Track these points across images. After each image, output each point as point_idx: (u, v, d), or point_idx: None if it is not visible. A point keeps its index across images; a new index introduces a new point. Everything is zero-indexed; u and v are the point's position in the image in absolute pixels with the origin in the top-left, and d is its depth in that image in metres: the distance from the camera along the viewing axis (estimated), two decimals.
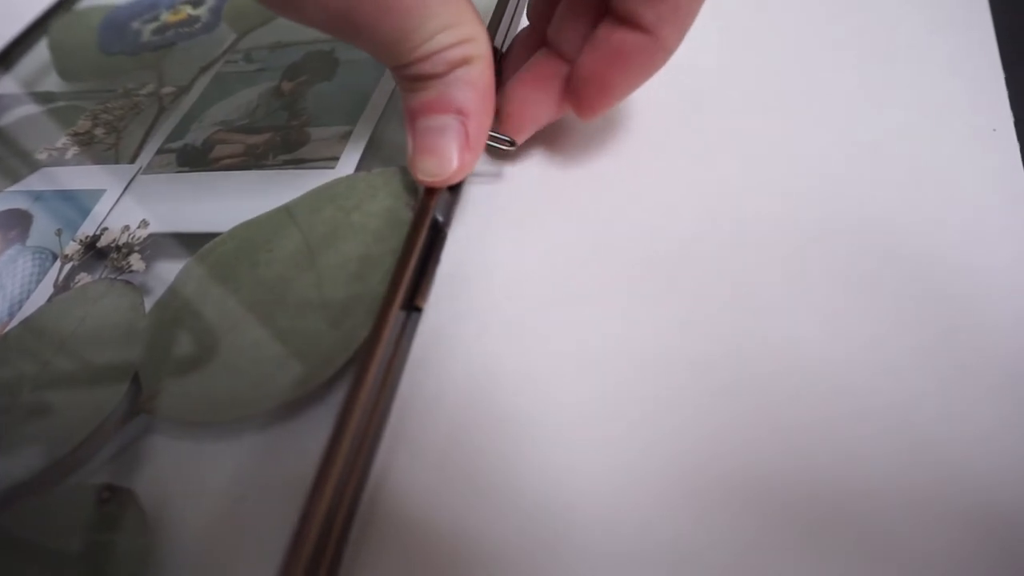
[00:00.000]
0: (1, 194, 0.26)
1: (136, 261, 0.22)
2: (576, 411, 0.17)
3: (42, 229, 0.24)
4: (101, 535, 0.16)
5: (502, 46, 0.22)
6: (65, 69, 0.32)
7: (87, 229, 0.23)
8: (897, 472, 0.15)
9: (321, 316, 0.19)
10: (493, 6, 0.23)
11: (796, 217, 0.19)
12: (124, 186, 0.25)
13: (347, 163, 0.23)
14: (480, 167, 0.21)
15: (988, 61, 0.22)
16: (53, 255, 0.23)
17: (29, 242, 0.24)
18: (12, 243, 0.24)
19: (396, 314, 0.17)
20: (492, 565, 0.15)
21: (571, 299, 0.19)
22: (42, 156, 0.27)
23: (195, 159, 0.25)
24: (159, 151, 0.26)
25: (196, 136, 0.26)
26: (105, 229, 0.23)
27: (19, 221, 0.25)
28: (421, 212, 0.19)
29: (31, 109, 0.30)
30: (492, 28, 0.22)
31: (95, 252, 0.23)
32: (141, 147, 0.26)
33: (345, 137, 0.24)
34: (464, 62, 0.18)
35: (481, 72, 0.18)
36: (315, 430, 0.17)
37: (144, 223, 0.23)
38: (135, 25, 0.33)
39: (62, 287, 0.22)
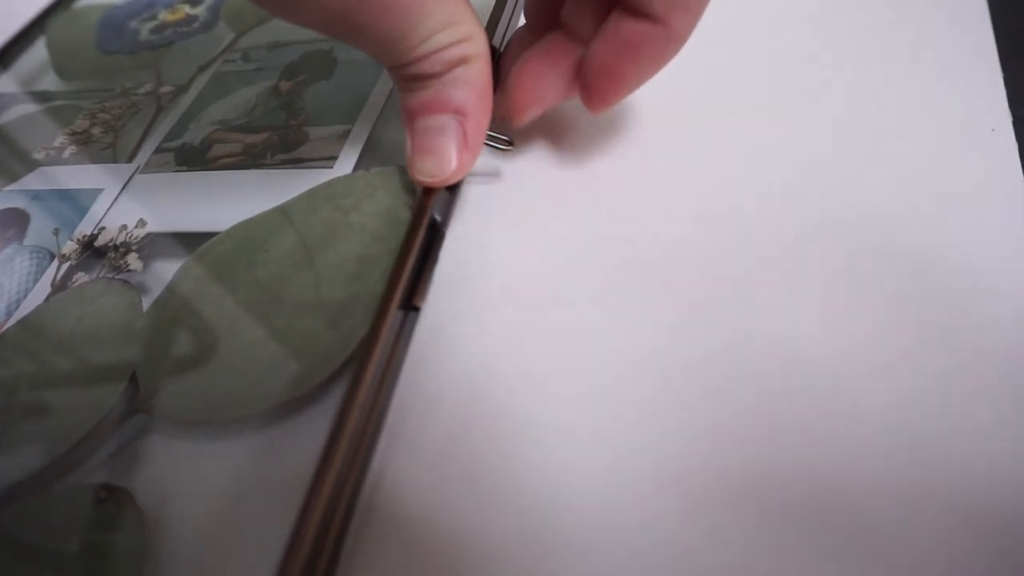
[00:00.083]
0: None
1: (134, 260, 0.22)
2: (574, 410, 0.17)
3: (39, 228, 0.24)
4: (99, 535, 0.16)
5: (500, 45, 0.22)
6: (63, 68, 0.32)
7: (85, 228, 0.23)
8: (895, 471, 0.15)
9: (319, 316, 0.19)
10: (491, 5, 0.23)
11: (795, 217, 0.19)
12: (122, 185, 0.25)
13: (345, 163, 0.23)
14: (478, 167, 0.21)
15: (986, 60, 0.22)
16: (50, 254, 0.23)
17: (26, 241, 0.24)
18: (9, 242, 0.24)
19: (394, 314, 0.17)
20: (491, 564, 0.15)
21: (569, 299, 0.19)
22: (39, 155, 0.27)
23: (193, 158, 0.25)
24: (157, 150, 0.26)
25: (194, 135, 0.26)
26: (103, 228, 0.23)
27: (16, 220, 0.25)
28: (419, 212, 0.19)
29: (29, 108, 0.30)
30: (490, 27, 0.22)
31: (93, 251, 0.23)
32: (139, 146, 0.26)
33: (343, 136, 0.24)
34: (462, 61, 0.18)
35: (479, 71, 0.18)
36: (313, 430, 0.17)
37: (142, 222, 0.23)
38: (133, 24, 0.33)
39: (59, 286, 0.22)
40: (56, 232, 0.24)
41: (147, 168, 0.25)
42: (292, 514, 0.14)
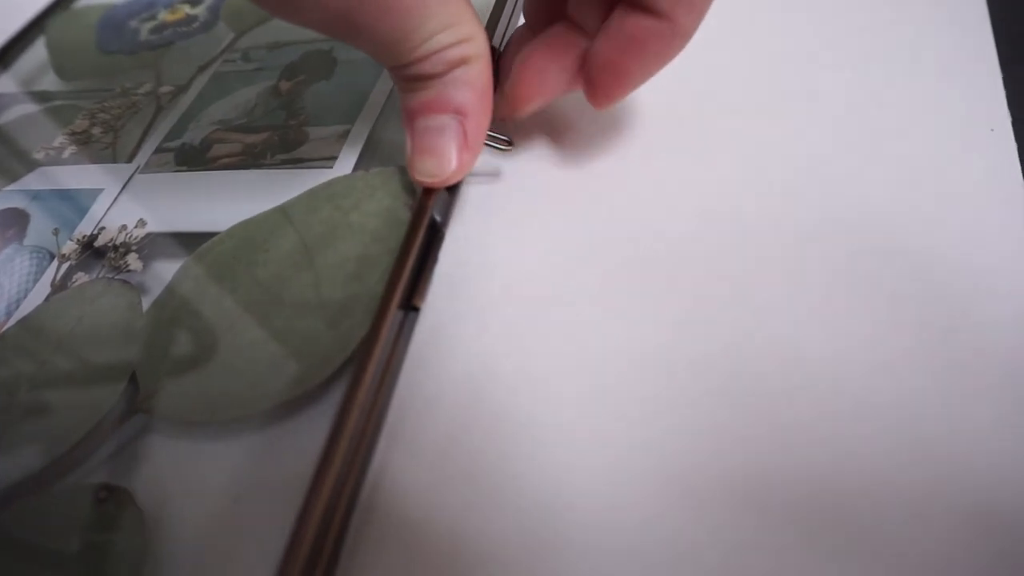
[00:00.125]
0: None
1: (133, 260, 0.22)
2: (575, 410, 0.17)
3: (39, 228, 0.24)
4: (99, 535, 0.16)
5: (500, 45, 0.22)
6: (63, 68, 0.32)
7: (84, 228, 0.23)
8: (895, 471, 0.15)
9: (319, 316, 0.19)
10: (491, 5, 0.23)
11: (795, 216, 0.19)
12: (122, 185, 0.25)
13: (345, 162, 0.23)
14: (478, 167, 0.21)
15: (986, 61, 0.22)
16: (50, 254, 0.23)
17: (26, 241, 0.24)
18: (9, 242, 0.24)
19: (394, 314, 0.17)
20: (490, 564, 0.15)
21: (570, 298, 0.19)
22: (39, 155, 0.27)
23: (193, 158, 0.25)
24: (157, 150, 0.26)
25: (194, 135, 0.26)
26: (102, 228, 0.23)
27: (16, 220, 0.25)
28: (419, 212, 0.19)
29: (28, 108, 0.30)
30: (490, 27, 0.22)
31: (92, 251, 0.23)
32: (139, 146, 0.26)
33: (343, 136, 0.24)
34: (463, 62, 0.18)
35: (480, 72, 0.18)
36: (313, 430, 0.17)
37: (142, 222, 0.23)
38: (133, 24, 0.33)
39: (59, 286, 0.22)
40: (56, 232, 0.24)
41: (147, 168, 0.25)
42: (292, 514, 0.14)
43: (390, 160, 0.22)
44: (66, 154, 0.27)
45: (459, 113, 0.18)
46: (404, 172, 0.21)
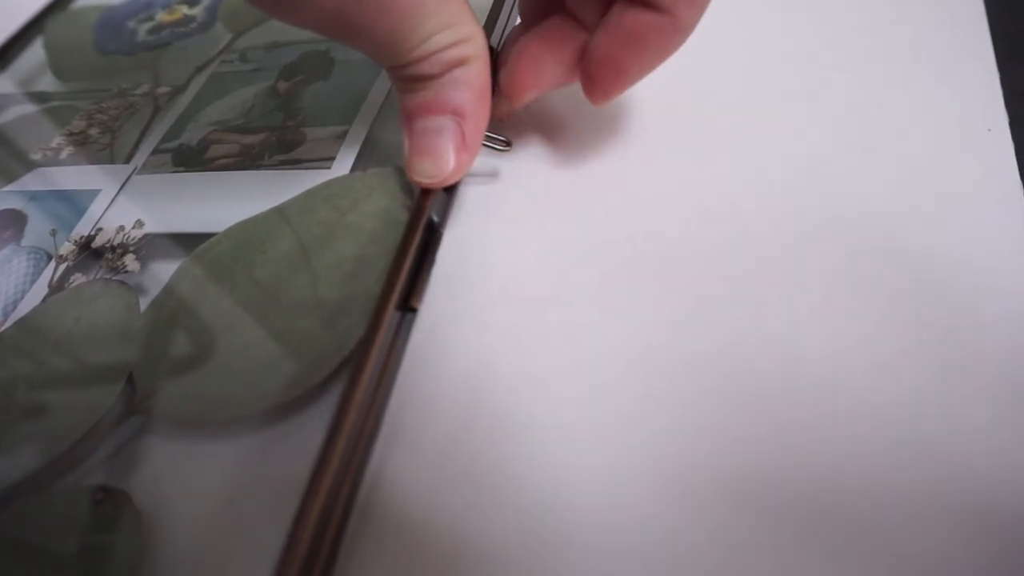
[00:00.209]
0: None
1: (131, 261, 0.22)
2: (574, 410, 0.16)
3: (37, 229, 0.24)
4: (96, 536, 0.16)
5: (498, 45, 0.22)
6: (60, 68, 0.32)
7: (82, 229, 0.23)
8: (894, 470, 0.15)
9: (316, 316, 0.19)
10: (489, 5, 0.23)
11: (793, 216, 0.19)
12: (119, 186, 0.25)
13: (343, 163, 0.23)
14: (476, 167, 0.21)
15: (983, 61, 0.22)
16: (48, 255, 0.23)
17: (24, 242, 0.24)
18: (7, 243, 0.24)
19: (391, 314, 0.17)
20: (490, 564, 0.15)
21: (568, 298, 0.18)
22: (37, 156, 0.27)
23: (190, 159, 0.25)
24: (154, 151, 0.26)
25: (191, 136, 0.26)
26: (100, 229, 0.23)
27: (14, 221, 0.25)
28: (417, 213, 0.19)
29: (26, 109, 0.30)
30: (488, 27, 0.22)
31: (90, 252, 0.23)
32: (136, 147, 0.26)
33: (341, 137, 0.24)
34: (461, 62, 0.18)
35: (478, 72, 0.18)
36: (310, 430, 0.17)
37: (139, 223, 0.23)
38: (131, 24, 0.33)
39: (57, 287, 0.22)
40: (53, 233, 0.24)
41: (144, 169, 0.25)
42: (290, 514, 0.14)
43: (388, 161, 0.22)
44: (64, 155, 0.27)
45: (457, 114, 0.18)
46: (402, 173, 0.21)
